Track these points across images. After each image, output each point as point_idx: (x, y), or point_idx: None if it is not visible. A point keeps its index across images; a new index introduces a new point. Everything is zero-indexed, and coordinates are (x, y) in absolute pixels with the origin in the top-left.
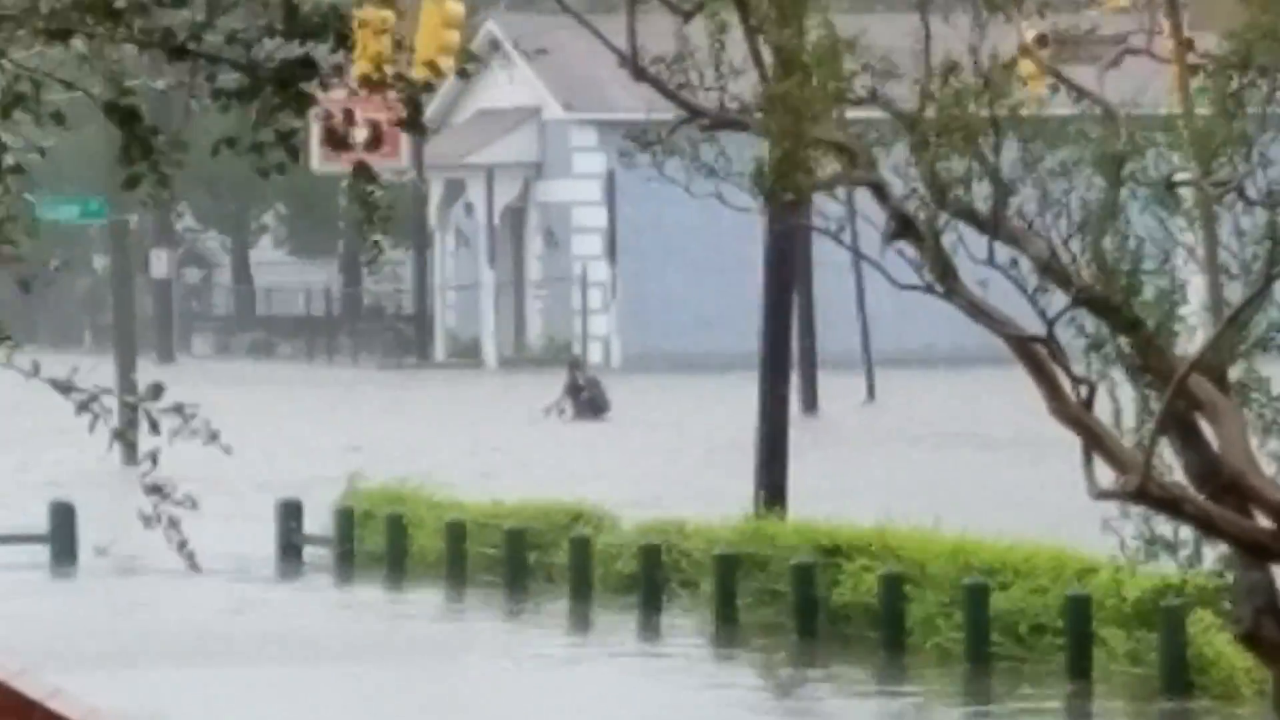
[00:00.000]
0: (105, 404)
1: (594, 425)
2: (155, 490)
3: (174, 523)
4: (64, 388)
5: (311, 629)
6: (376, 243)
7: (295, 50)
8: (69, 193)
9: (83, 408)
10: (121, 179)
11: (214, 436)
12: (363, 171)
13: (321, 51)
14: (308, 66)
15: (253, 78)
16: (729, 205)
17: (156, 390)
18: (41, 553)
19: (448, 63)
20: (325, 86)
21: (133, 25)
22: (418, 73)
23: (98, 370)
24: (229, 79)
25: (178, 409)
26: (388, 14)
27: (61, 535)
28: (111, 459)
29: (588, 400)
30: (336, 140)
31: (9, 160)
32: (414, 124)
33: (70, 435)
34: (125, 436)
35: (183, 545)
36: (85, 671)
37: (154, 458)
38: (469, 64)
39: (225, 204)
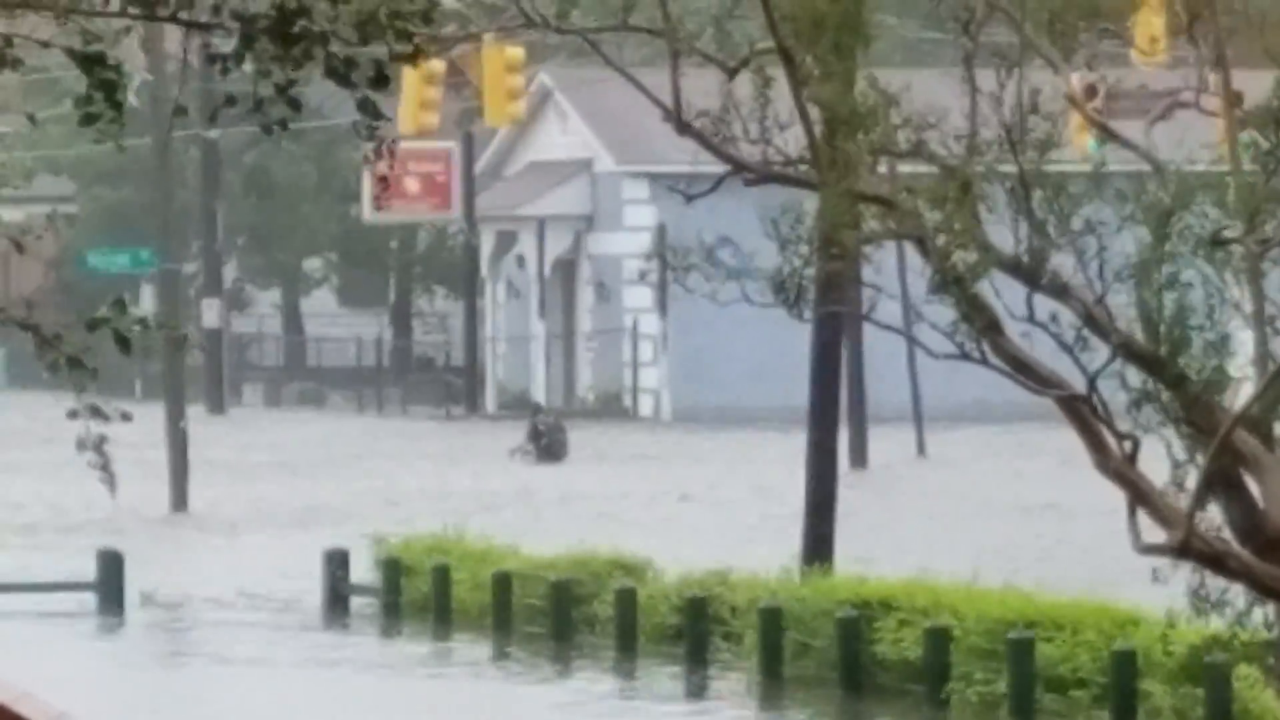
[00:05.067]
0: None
1: (633, 478)
2: (92, 410)
3: (99, 443)
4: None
5: (358, 682)
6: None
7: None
8: (119, 244)
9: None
10: (79, 119)
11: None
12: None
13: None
14: (301, 14)
15: (246, 32)
16: (751, 302)
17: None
18: (89, 600)
19: (517, 108)
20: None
21: None
22: (490, 122)
23: (149, 420)
24: (223, 42)
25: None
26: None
27: (109, 583)
28: (160, 505)
29: (546, 445)
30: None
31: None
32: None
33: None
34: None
35: (105, 468)
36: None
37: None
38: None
39: (275, 254)
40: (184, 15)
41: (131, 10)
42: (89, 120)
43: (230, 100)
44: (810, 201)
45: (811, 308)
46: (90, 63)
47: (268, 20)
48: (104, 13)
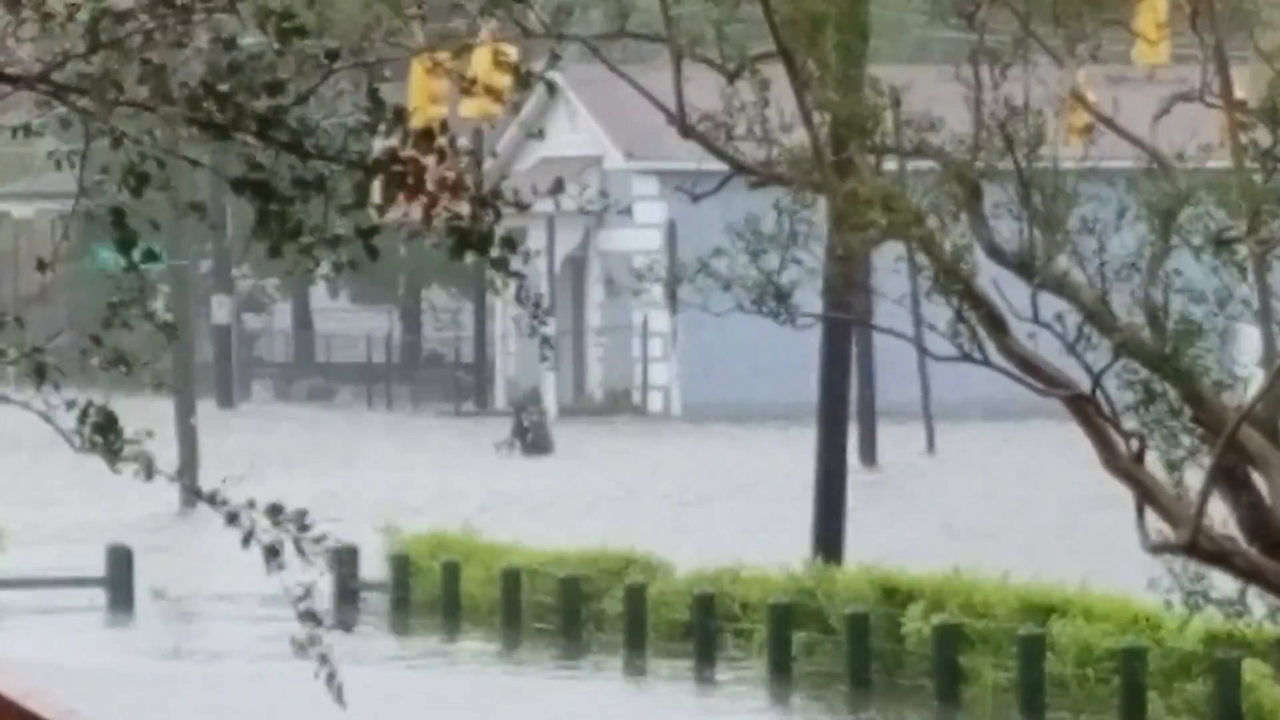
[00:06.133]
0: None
1: (642, 474)
2: (309, 616)
3: (326, 657)
4: (209, 499)
5: (369, 678)
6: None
7: (374, 142)
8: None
9: (231, 520)
10: (265, 251)
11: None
12: (500, 265)
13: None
14: (394, 161)
15: (353, 168)
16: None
17: (301, 516)
18: (99, 596)
19: (494, 107)
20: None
21: (230, 109)
22: (466, 110)
23: (158, 415)
24: (309, 169)
25: (276, 511)
26: (444, 56)
27: (118, 579)
28: (170, 503)
29: (532, 441)
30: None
31: (140, 249)
32: (485, 204)
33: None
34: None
35: (332, 677)
36: (134, 716)
37: (310, 591)
38: (531, 80)
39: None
40: (283, 137)
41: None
42: (274, 253)
43: (297, 229)
44: (765, 204)
45: (813, 313)
46: (258, 191)
47: (357, 161)
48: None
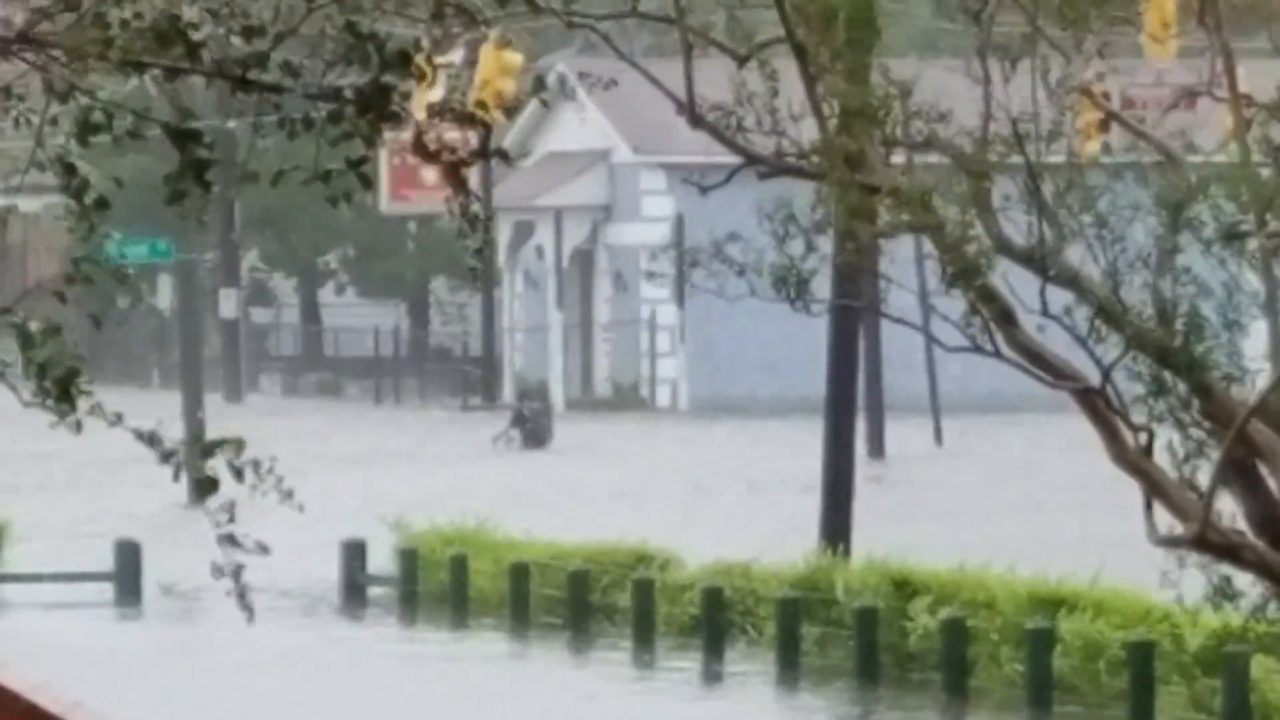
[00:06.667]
0: (184, 454)
1: (650, 468)
2: (229, 540)
3: (237, 571)
4: (148, 439)
5: (377, 671)
6: (479, 251)
7: (361, 77)
8: (137, 233)
9: (166, 459)
10: (166, 195)
11: (288, 495)
12: (459, 187)
13: (393, 80)
14: (384, 92)
15: (333, 102)
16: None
17: (239, 445)
18: (107, 590)
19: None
20: (397, 117)
21: (202, 57)
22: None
23: (166, 409)
24: (295, 107)
25: (255, 465)
26: (452, 58)
27: (126, 573)
28: (177, 498)
29: (530, 431)
30: (426, 154)
31: (91, 195)
32: (487, 154)
33: (136, 474)
34: (204, 487)
35: (243, 596)
36: (143, 709)
37: (231, 510)
38: (541, 94)
39: (293, 245)
40: (255, 76)
41: (207, 68)
42: (176, 198)
43: (293, 168)
44: (805, 193)
45: (824, 300)
46: (184, 139)
47: (348, 96)
48: (180, 70)
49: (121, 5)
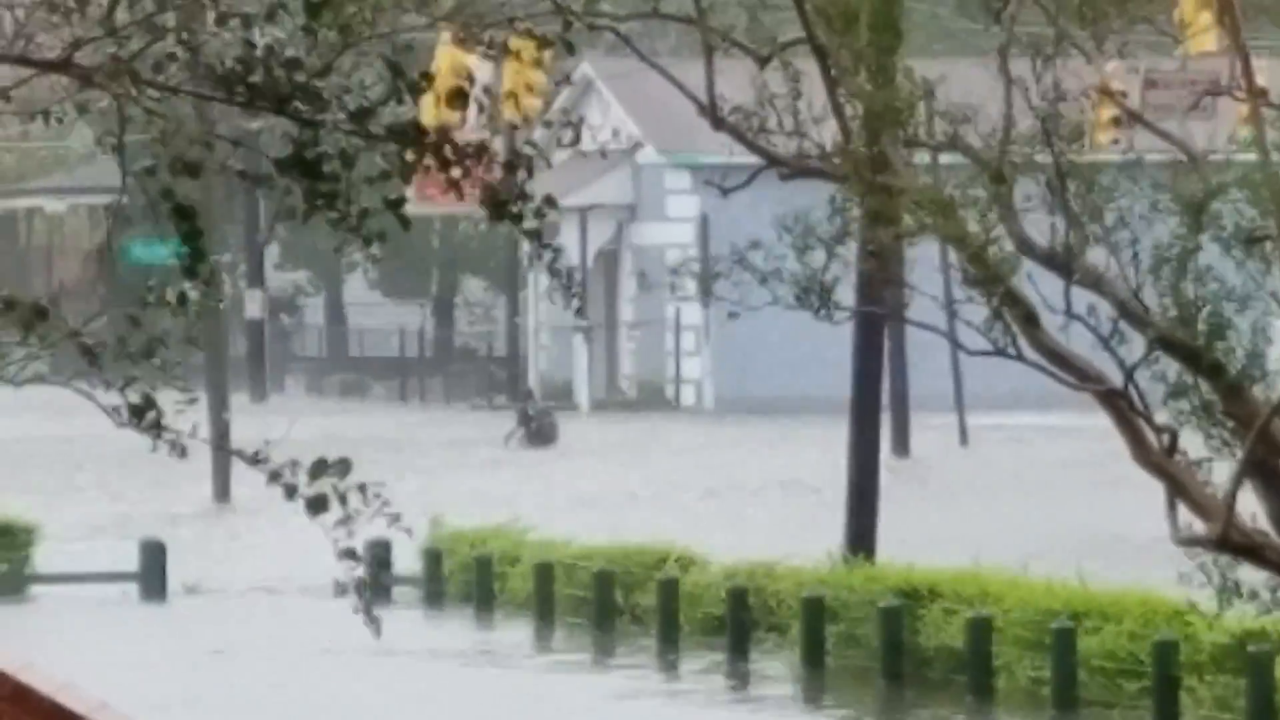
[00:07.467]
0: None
1: (675, 468)
2: (349, 554)
3: (360, 586)
4: (250, 460)
5: (401, 670)
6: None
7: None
8: (161, 235)
9: (273, 479)
10: (302, 217)
11: (395, 519)
12: (492, 201)
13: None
14: (421, 130)
15: (366, 138)
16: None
17: (346, 466)
18: (132, 590)
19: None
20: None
21: (253, 90)
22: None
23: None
24: (332, 140)
25: (362, 488)
26: (474, 66)
27: (151, 572)
28: (202, 497)
29: (536, 430)
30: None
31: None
32: (515, 167)
33: (162, 472)
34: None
35: (369, 610)
36: (169, 711)
37: (349, 525)
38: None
39: (317, 245)
40: (304, 109)
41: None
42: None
43: (331, 198)
44: (822, 197)
45: (848, 308)
46: (306, 169)
47: (384, 131)
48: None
49: (166, 37)
